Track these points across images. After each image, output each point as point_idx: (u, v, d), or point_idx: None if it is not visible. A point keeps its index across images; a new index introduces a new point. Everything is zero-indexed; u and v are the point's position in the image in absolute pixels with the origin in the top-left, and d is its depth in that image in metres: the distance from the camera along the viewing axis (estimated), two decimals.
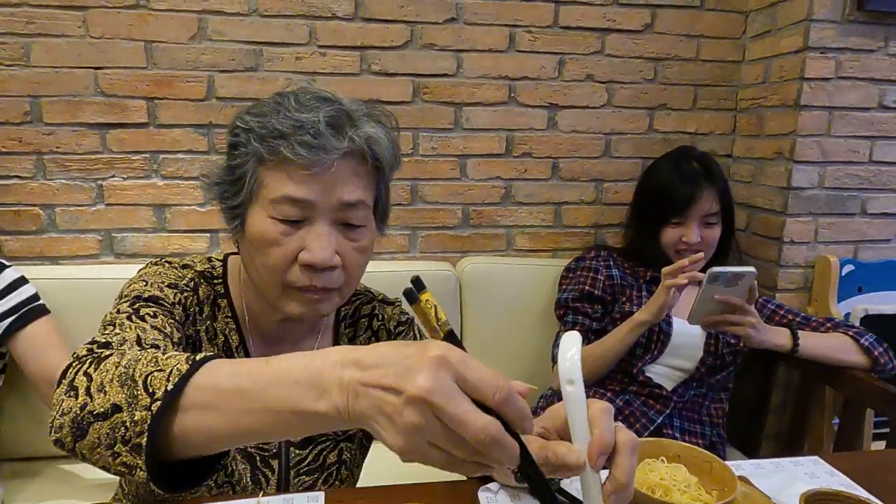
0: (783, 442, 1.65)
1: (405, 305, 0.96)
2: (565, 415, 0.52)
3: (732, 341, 1.41)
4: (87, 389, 0.55)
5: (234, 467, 0.82)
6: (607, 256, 1.53)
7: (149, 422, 0.50)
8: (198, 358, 0.53)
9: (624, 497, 0.51)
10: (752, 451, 1.60)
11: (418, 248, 1.77)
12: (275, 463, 0.85)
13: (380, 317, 0.94)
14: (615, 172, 1.82)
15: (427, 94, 1.69)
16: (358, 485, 0.96)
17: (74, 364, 0.60)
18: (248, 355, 0.85)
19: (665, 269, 1.27)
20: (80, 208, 1.59)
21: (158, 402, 0.50)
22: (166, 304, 0.76)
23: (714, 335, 1.41)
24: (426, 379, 0.41)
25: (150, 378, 0.52)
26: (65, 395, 0.56)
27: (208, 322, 0.83)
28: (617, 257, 1.53)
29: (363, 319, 0.94)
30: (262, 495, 0.80)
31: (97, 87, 1.54)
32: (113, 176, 1.59)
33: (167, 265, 0.83)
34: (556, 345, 1.48)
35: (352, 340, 0.93)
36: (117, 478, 0.93)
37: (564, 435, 0.55)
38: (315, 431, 0.48)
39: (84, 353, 0.62)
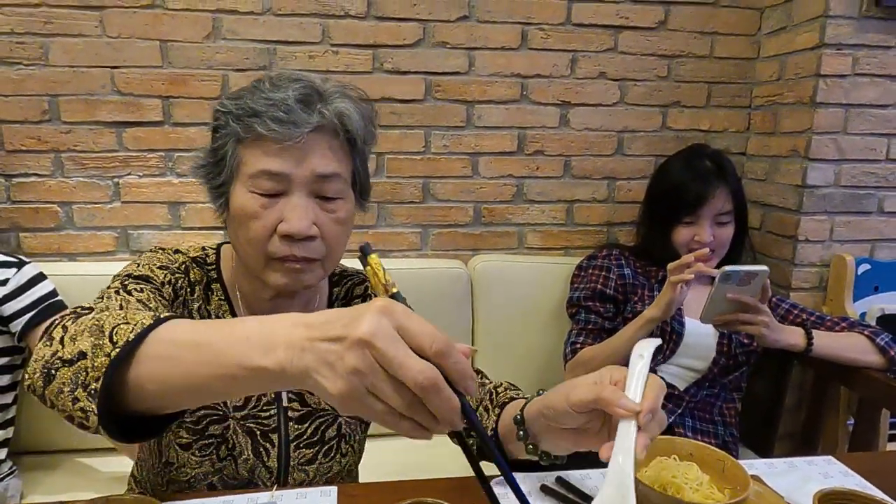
0: (797, 442, 1.64)
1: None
2: (618, 378, 0.61)
3: (745, 341, 1.40)
4: (62, 339, 0.58)
5: (236, 440, 0.85)
6: (619, 255, 1.52)
7: (106, 367, 0.52)
8: (163, 315, 0.56)
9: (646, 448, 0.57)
10: (765, 452, 1.59)
11: (430, 246, 1.77)
12: (274, 437, 0.87)
13: (373, 296, 0.97)
14: (628, 170, 1.81)
15: (439, 92, 1.69)
16: (365, 480, 0.97)
17: (56, 321, 0.63)
18: None
19: (670, 266, 1.26)
20: (96, 206, 1.61)
21: (118, 350, 0.52)
22: (155, 283, 0.79)
23: (727, 335, 1.40)
24: (368, 323, 0.42)
25: (116, 329, 0.54)
26: (42, 344, 0.59)
27: (200, 303, 0.86)
28: (629, 256, 1.53)
29: (356, 300, 0.97)
30: (271, 488, 0.82)
31: (114, 85, 1.56)
32: (129, 174, 1.61)
33: (161, 251, 0.87)
34: (567, 343, 1.48)
35: None
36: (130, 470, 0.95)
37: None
38: (260, 389, 0.50)
39: (68, 313, 0.65)
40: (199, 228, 1.66)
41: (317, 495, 0.80)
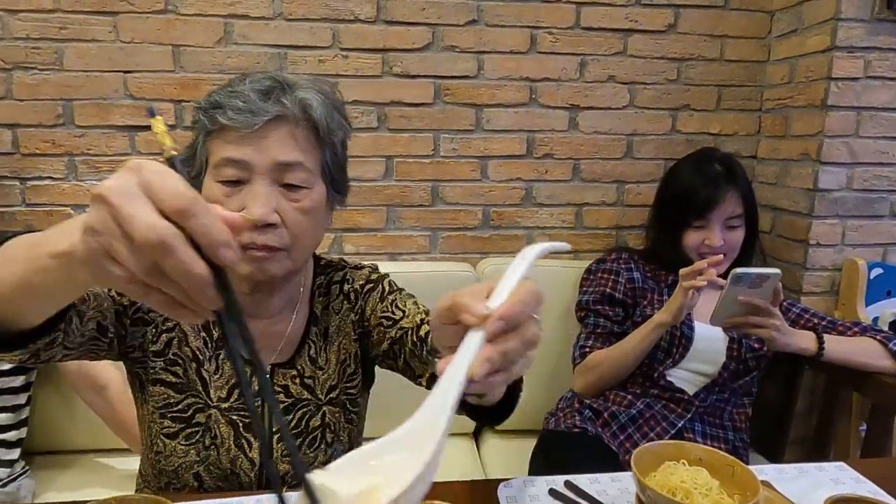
0: (808, 447, 1.62)
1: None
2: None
3: (756, 346, 1.39)
4: None
5: (218, 431, 0.85)
6: (628, 259, 1.52)
7: None
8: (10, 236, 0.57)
9: (497, 377, 0.45)
10: (776, 457, 1.58)
11: (439, 249, 1.78)
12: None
13: (350, 280, 0.97)
14: (637, 174, 1.81)
15: (448, 95, 1.70)
16: None
17: None
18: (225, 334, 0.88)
19: (683, 271, 1.26)
20: None
21: None
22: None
23: (737, 340, 1.39)
24: (112, 180, 0.39)
25: None
26: None
27: None
28: (638, 259, 1.53)
29: (335, 286, 0.97)
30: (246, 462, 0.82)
31: (126, 90, 1.58)
32: None
33: None
34: (576, 346, 1.48)
35: (325, 308, 0.95)
36: None
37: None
38: (71, 281, 0.49)
39: None
40: None
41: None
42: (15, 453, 1.31)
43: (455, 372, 0.43)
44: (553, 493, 0.82)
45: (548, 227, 1.81)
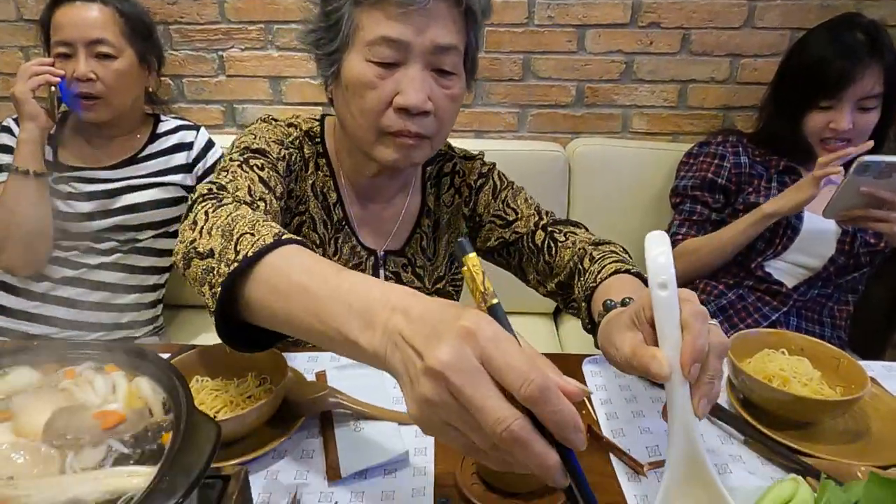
0: None
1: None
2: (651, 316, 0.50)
3: (872, 241, 1.28)
4: (201, 228, 0.61)
5: None
6: (736, 142, 1.40)
7: (225, 277, 0.54)
8: (283, 237, 0.56)
9: (710, 401, 0.49)
10: (874, 359, 1.50)
11: (527, 128, 1.70)
12: None
13: (461, 173, 0.97)
14: (756, 46, 1.60)
15: None
16: None
17: (199, 201, 0.66)
18: (344, 213, 0.90)
19: (822, 159, 1.14)
20: (203, 79, 1.66)
21: (236, 264, 0.53)
22: (271, 158, 0.80)
23: (851, 233, 1.28)
24: (446, 351, 0.36)
25: (241, 238, 0.56)
26: (188, 226, 0.63)
27: (312, 180, 0.87)
28: (747, 143, 1.40)
29: (445, 178, 0.96)
30: None
31: None
32: (232, 47, 1.62)
33: (274, 122, 0.87)
34: (668, 233, 1.41)
35: (437, 199, 0.96)
36: None
37: (654, 325, 0.52)
38: (355, 359, 0.46)
39: (206, 191, 0.68)
40: (300, 104, 1.68)
41: None
42: (159, 309, 1.45)
43: (683, 427, 0.48)
44: None
45: (647, 107, 1.67)
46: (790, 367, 0.71)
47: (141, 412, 0.45)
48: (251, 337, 0.58)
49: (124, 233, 1.30)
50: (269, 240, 0.55)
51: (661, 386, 0.79)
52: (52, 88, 1.18)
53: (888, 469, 0.58)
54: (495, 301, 0.40)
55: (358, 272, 0.50)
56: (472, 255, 0.41)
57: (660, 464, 0.65)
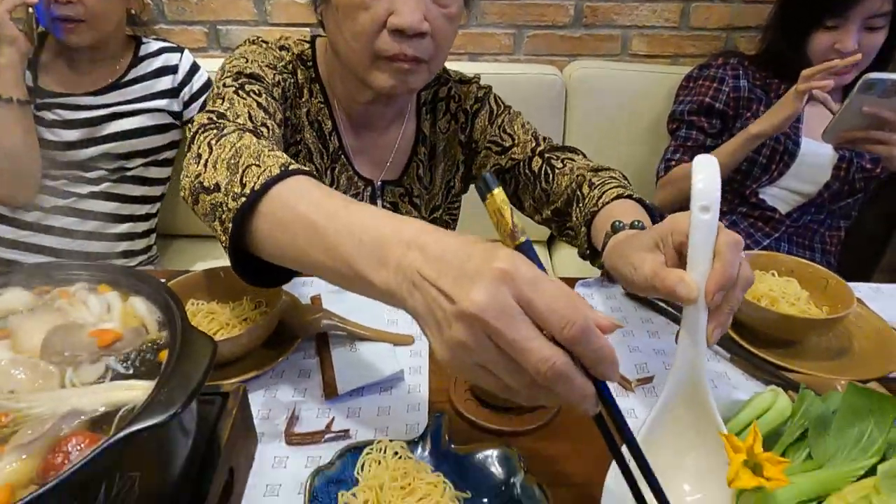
0: None
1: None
2: (686, 232, 0.49)
3: (868, 166, 1.27)
4: (206, 161, 0.59)
5: None
6: (737, 65, 1.36)
7: (234, 213, 0.53)
8: (290, 167, 0.54)
9: (723, 330, 0.49)
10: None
11: (523, 50, 1.65)
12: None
13: (456, 98, 0.94)
14: None
15: None
16: None
17: (200, 132, 0.64)
18: (340, 142, 0.87)
19: (806, 71, 1.11)
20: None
21: (244, 199, 0.52)
22: (267, 83, 0.77)
23: (847, 158, 1.27)
24: (483, 293, 0.35)
25: (247, 170, 0.54)
26: (192, 159, 0.61)
27: (306, 107, 0.85)
28: (748, 66, 1.36)
29: (440, 103, 0.94)
30: None
31: None
32: None
33: (265, 45, 0.83)
34: (662, 160, 1.40)
35: (433, 126, 0.94)
36: None
37: (680, 251, 0.52)
38: (369, 297, 0.44)
39: (206, 121, 0.65)
40: (287, 25, 1.61)
41: None
42: (152, 238, 1.44)
43: (692, 351, 0.48)
44: (629, 294, 0.84)
45: (647, 27, 1.62)
46: (779, 287, 0.72)
47: (137, 330, 0.45)
48: (266, 271, 0.57)
49: (113, 161, 1.28)
50: (276, 171, 0.53)
51: (652, 307, 0.81)
52: (30, 10, 1.12)
53: (867, 383, 0.60)
54: (524, 238, 0.39)
55: (368, 204, 0.48)
56: (499, 189, 0.39)
57: (648, 380, 0.67)
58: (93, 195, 1.28)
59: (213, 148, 0.60)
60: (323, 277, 0.49)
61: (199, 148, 0.61)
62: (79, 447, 0.35)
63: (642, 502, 0.40)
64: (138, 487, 0.36)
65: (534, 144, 0.91)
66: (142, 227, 1.38)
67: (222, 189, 0.55)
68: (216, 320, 0.69)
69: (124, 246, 1.35)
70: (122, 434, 0.33)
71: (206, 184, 0.57)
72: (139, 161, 1.31)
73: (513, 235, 0.39)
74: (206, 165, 0.59)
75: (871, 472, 0.45)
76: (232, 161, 0.57)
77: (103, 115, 1.24)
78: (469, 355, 0.36)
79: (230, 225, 0.53)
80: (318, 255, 0.46)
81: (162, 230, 1.51)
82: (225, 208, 0.54)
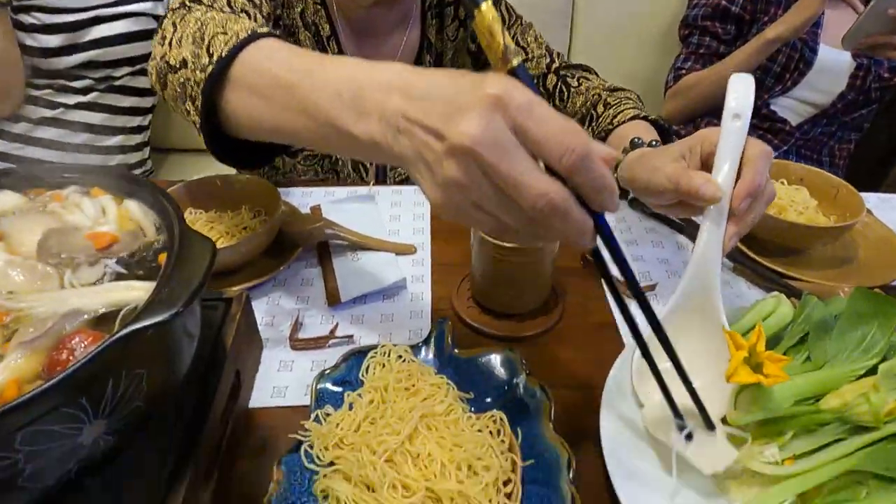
0: None
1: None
2: (715, 143, 0.49)
3: (886, 74, 1.22)
4: (170, 40, 0.55)
5: (338, 156, 0.89)
6: None
7: (203, 83, 0.49)
8: (260, 31, 0.50)
9: (737, 240, 0.49)
10: None
11: None
12: None
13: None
14: None
15: None
16: None
17: (168, 14, 0.60)
18: (340, 48, 0.83)
19: None
20: None
21: (212, 67, 0.48)
22: None
23: (865, 66, 1.21)
24: (474, 124, 0.31)
25: (213, 40, 0.50)
26: (157, 42, 0.57)
27: (300, 7, 0.80)
28: None
29: (448, 8, 0.89)
30: (369, 183, 0.86)
31: None
32: None
33: None
34: (672, 68, 1.35)
35: (439, 32, 0.89)
36: None
37: (707, 161, 0.51)
38: (355, 155, 0.41)
39: (177, 5, 0.61)
40: None
41: (411, 193, 0.84)
42: (146, 152, 1.41)
43: (708, 255, 0.48)
44: (633, 202, 0.83)
45: None
46: (787, 195, 0.71)
47: (134, 233, 0.44)
48: (245, 150, 0.54)
49: (98, 70, 1.22)
50: (243, 34, 0.49)
51: (657, 217, 0.80)
52: None
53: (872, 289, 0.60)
54: (518, 60, 0.35)
55: (345, 57, 0.46)
56: (488, 5, 0.34)
57: (651, 287, 0.67)
58: (80, 105, 1.24)
59: (178, 26, 0.56)
60: (304, 143, 0.45)
61: (164, 30, 0.57)
62: (83, 344, 0.34)
63: (642, 342, 0.42)
64: (146, 384, 0.36)
65: (548, 60, 0.87)
66: (134, 139, 1.35)
67: (189, 64, 0.51)
68: (215, 229, 0.68)
69: (118, 159, 1.32)
70: (125, 331, 0.33)
71: (171, 62, 0.53)
72: (126, 70, 1.25)
73: (505, 58, 0.35)
74: (170, 45, 0.54)
75: (871, 373, 0.46)
76: (197, 34, 0.52)
77: (84, 18, 1.18)
78: (463, 194, 0.34)
79: (200, 99, 0.49)
80: (296, 116, 0.43)
81: (156, 144, 1.48)
82: (193, 83, 0.50)
